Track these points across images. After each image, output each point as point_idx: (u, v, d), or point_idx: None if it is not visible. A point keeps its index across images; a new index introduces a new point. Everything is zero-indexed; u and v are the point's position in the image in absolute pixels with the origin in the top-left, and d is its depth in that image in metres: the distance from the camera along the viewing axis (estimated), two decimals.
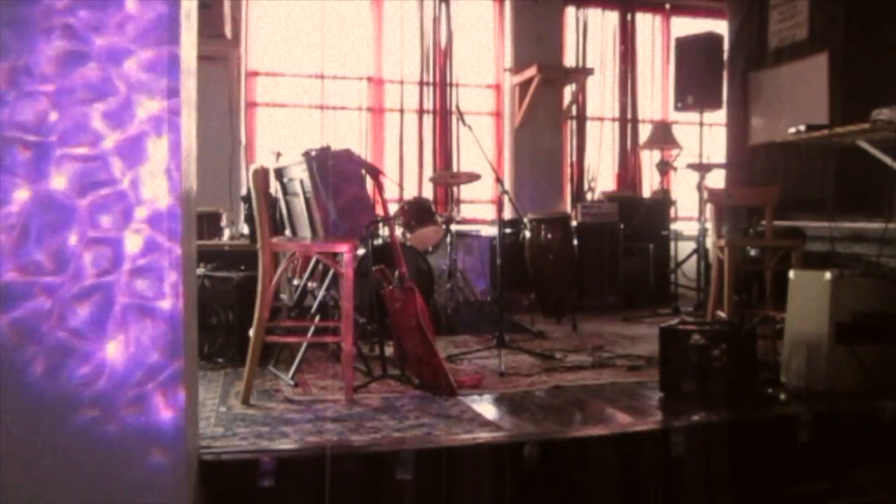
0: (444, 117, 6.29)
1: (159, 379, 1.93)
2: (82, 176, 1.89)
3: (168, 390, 1.94)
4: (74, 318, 1.89)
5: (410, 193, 5.73)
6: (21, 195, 1.86)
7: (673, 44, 6.13)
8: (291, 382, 3.29)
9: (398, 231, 4.79)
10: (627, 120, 6.86)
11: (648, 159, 6.95)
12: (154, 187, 1.94)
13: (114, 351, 1.91)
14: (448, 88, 6.30)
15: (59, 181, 1.88)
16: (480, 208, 6.51)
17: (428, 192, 6.21)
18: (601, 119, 6.84)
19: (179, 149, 1.95)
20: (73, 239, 1.89)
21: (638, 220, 6.01)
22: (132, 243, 1.93)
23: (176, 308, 1.95)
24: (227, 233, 5.10)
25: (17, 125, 1.85)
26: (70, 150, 1.88)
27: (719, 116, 6.27)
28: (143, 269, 1.93)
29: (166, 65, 1.93)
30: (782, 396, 3.05)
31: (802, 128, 4.21)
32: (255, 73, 6.03)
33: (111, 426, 1.91)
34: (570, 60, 6.68)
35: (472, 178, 5.12)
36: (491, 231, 5.85)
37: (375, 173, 3.64)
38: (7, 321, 1.85)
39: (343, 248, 3.06)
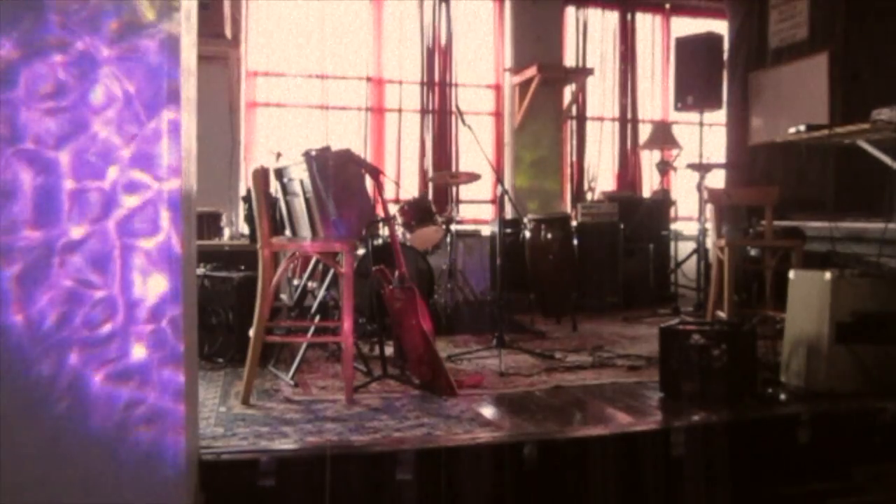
0: (444, 117, 6.29)
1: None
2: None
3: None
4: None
5: (410, 193, 5.73)
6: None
7: (673, 44, 6.12)
8: (291, 382, 3.29)
9: (398, 231, 4.79)
10: (627, 120, 6.85)
11: (648, 159, 6.95)
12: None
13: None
14: (448, 88, 6.30)
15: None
16: (480, 208, 6.51)
17: (428, 193, 6.20)
18: (601, 119, 6.84)
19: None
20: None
21: (638, 220, 6.01)
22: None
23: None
24: (227, 233, 5.11)
25: None
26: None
27: (719, 116, 6.27)
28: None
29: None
30: (782, 396, 3.05)
31: (802, 128, 4.20)
32: (255, 73, 6.03)
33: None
34: (570, 60, 6.68)
35: (472, 178, 5.12)
36: (491, 231, 5.85)
37: (375, 173, 3.63)
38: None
39: (343, 248, 3.06)
